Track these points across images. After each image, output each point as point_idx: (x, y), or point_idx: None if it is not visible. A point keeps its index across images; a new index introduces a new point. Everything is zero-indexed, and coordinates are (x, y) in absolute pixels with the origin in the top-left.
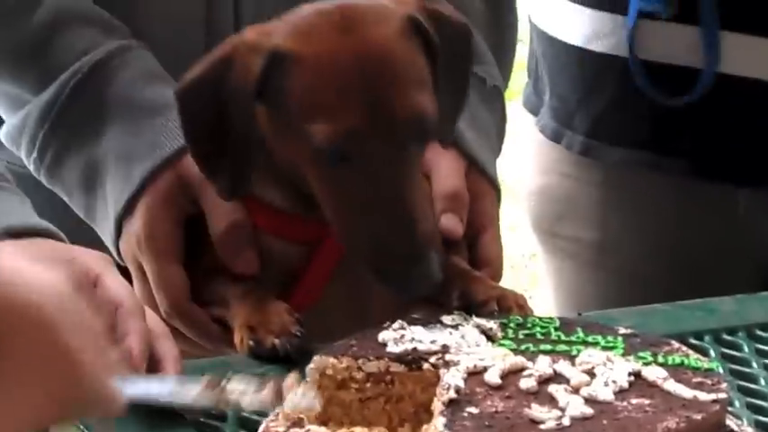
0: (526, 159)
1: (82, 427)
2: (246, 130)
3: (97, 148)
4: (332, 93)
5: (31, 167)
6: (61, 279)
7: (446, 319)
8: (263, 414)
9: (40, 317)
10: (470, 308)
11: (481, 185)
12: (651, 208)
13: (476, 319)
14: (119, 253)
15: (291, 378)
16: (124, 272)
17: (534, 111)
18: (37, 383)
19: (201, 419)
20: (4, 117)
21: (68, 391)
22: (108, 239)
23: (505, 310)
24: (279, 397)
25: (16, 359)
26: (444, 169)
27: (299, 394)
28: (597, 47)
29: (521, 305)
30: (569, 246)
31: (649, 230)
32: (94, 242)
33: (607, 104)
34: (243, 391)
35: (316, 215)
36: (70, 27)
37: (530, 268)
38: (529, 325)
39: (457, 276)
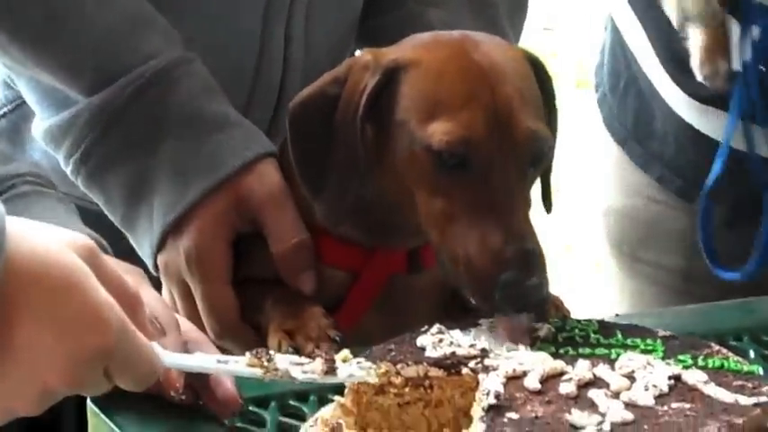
0: (604, 177)
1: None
2: (353, 150)
3: (150, 157)
4: (455, 94)
5: (68, 168)
6: (88, 240)
7: (484, 322)
8: (302, 419)
9: (63, 274)
10: None
11: None
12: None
13: None
14: (154, 264)
15: (345, 353)
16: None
17: (619, 137)
18: (58, 341)
19: (238, 424)
20: (41, 114)
21: (93, 344)
22: (146, 251)
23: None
24: (330, 369)
25: (34, 316)
26: None
27: (355, 364)
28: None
29: (558, 306)
30: (652, 271)
31: None
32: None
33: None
34: (292, 362)
35: (375, 244)
36: (136, 30)
37: None
38: (568, 328)
39: None
